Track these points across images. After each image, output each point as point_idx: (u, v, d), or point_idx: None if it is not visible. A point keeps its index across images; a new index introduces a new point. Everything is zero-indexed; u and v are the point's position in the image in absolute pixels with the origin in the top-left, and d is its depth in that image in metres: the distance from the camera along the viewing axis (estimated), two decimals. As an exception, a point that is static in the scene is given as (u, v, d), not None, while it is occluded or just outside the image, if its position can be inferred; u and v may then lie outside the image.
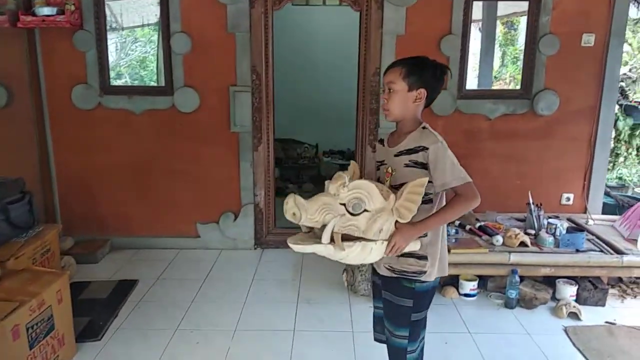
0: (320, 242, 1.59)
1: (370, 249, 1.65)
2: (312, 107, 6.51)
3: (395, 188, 1.73)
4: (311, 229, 1.68)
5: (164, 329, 2.88)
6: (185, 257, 3.94)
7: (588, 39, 3.79)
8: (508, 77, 5.56)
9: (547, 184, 4.00)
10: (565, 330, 2.88)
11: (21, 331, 2.18)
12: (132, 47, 4.55)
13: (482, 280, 3.32)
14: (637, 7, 5.89)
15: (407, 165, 1.73)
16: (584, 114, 3.91)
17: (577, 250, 3.19)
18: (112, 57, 4.06)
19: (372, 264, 1.92)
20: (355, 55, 3.96)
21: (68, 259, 3.57)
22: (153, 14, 4.03)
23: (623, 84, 5.36)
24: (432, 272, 1.79)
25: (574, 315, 3.02)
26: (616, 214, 4.01)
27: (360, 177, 1.81)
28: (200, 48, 3.77)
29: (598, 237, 3.41)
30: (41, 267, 3.06)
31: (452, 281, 3.30)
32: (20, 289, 2.34)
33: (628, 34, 5.42)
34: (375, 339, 2.07)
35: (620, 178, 5.32)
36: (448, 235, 2.80)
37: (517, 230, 3.30)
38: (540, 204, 3.53)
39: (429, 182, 1.71)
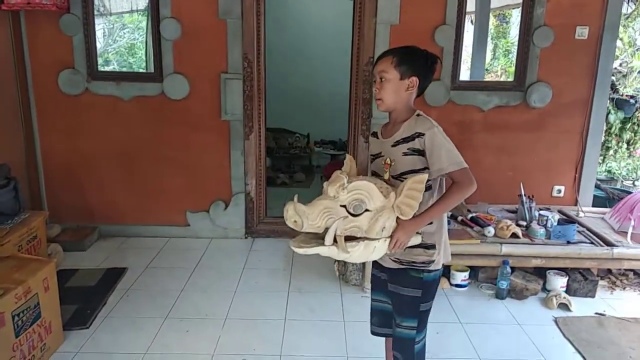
0: (322, 244, 1.56)
1: (373, 248, 1.63)
2: (304, 96, 6.47)
3: (395, 178, 1.72)
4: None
5: (153, 317, 2.84)
6: (174, 246, 3.89)
7: (582, 32, 3.78)
8: (500, 70, 5.57)
9: (538, 176, 4.01)
10: (556, 321, 2.89)
11: (7, 319, 2.13)
12: (120, 34, 4.47)
13: (474, 271, 3.32)
14: (628, 3, 5.91)
15: (405, 154, 1.70)
16: (576, 106, 3.92)
17: (568, 242, 3.21)
18: (99, 43, 3.98)
19: None
20: (348, 45, 3.92)
21: (55, 247, 3.52)
22: (142, -2, 3.95)
23: (614, 78, 5.38)
24: (440, 260, 1.79)
25: (564, 306, 3.03)
26: (606, 207, 4.03)
27: (358, 173, 1.79)
28: (190, 34, 3.70)
29: (589, 229, 3.42)
30: (27, 254, 3.01)
31: (444, 272, 3.27)
32: (6, 277, 2.29)
33: (619, 29, 5.44)
34: (373, 332, 2.04)
35: (609, 171, 5.36)
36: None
37: (509, 222, 3.30)
38: (532, 196, 3.54)
39: (426, 168, 1.69)
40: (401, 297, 1.81)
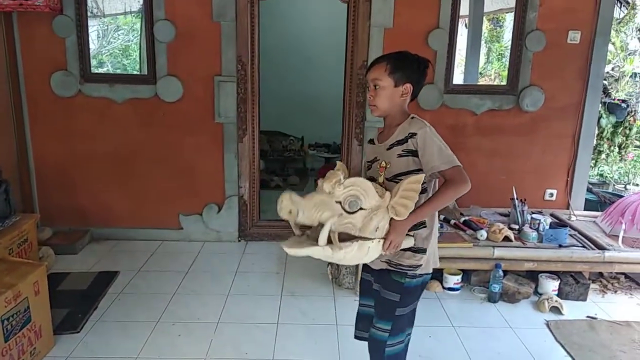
0: (316, 244, 1.54)
1: (367, 248, 1.61)
2: (299, 99, 6.47)
3: (390, 180, 1.72)
4: (304, 231, 1.64)
5: (145, 321, 2.83)
6: (167, 249, 3.88)
7: (574, 36, 3.81)
8: (493, 74, 5.59)
9: (531, 179, 4.03)
10: (547, 324, 2.90)
11: (-4, 323, 2.11)
12: (114, 35, 4.45)
13: (466, 275, 3.33)
14: (620, 7, 5.97)
15: (400, 156, 1.71)
16: (569, 110, 3.94)
17: (560, 246, 3.22)
18: (93, 45, 3.96)
19: None
20: (342, 48, 3.93)
21: (46, 250, 3.49)
22: (136, 0, 3.94)
23: (606, 82, 5.42)
24: (427, 266, 1.79)
25: (556, 310, 3.04)
26: (598, 210, 4.06)
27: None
28: (184, 37, 3.70)
29: (580, 233, 3.44)
30: (18, 257, 2.99)
31: (436, 275, 3.30)
32: (-4, 280, 2.27)
33: (611, 34, 5.49)
34: (357, 337, 2.04)
35: (601, 175, 5.40)
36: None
37: (501, 225, 3.32)
38: (524, 200, 3.55)
39: (419, 169, 1.69)
40: (380, 298, 1.83)
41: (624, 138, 5.11)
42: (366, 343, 2.01)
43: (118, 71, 4.38)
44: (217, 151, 3.91)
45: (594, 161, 5.07)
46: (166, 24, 3.65)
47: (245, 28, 3.72)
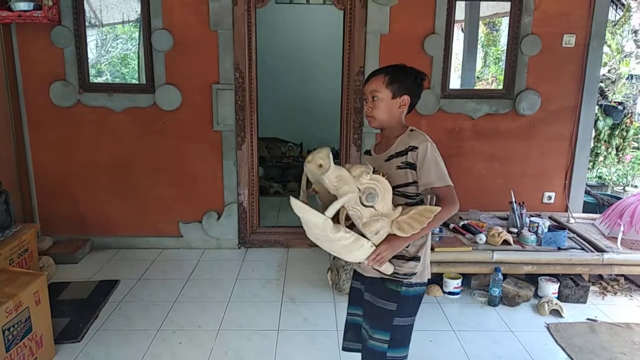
0: (321, 212, 1.52)
1: (360, 246, 1.60)
2: (297, 106, 6.50)
3: None
4: (307, 200, 1.62)
5: (146, 329, 2.83)
6: (167, 257, 3.89)
7: (569, 40, 3.83)
8: (490, 77, 5.62)
9: (529, 182, 4.05)
10: (548, 327, 2.91)
11: (-3, 333, 2.12)
12: (113, 44, 4.47)
13: (466, 279, 3.33)
14: (616, 9, 6.01)
15: (399, 167, 1.72)
16: (565, 114, 3.96)
17: (559, 248, 3.23)
18: (92, 54, 3.99)
19: (354, 268, 1.90)
20: (340, 54, 3.95)
21: (47, 259, 3.50)
22: (133, 10, 3.96)
23: (602, 84, 5.45)
24: (423, 275, 1.78)
25: (556, 313, 3.05)
26: (596, 213, 4.07)
27: None
28: (182, 45, 3.72)
29: (579, 235, 3.45)
30: (19, 267, 3.00)
31: (436, 279, 3.31)
32: (-4, 290, 2.28)
33: (607, 36, 5.52)
34: (344, 348, 1.99)
35: (600, 177, 5.41)
36: (432, 233, 2.81)
37: (500, 229, 3.32)
38: (523, 203, 3.56)
39: (415, 182, 1.71)
40: (374, 307, 1.79)
41: (621, 140, 5.13)
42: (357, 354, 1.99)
43: (117, 80, 4.40)
44: (216, 159, 3.92)
45: (591, 163, 5.08)
46: (164, 33, 3.68)
47: (242, 36, 3.74)
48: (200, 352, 2.63)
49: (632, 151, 5.48)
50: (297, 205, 1.52)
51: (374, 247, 1.63)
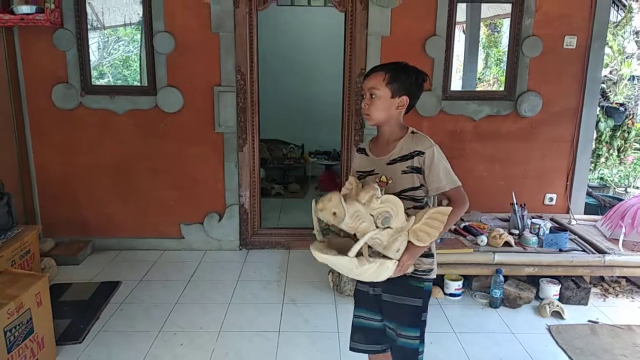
0: (342, 255, 1.52)
1: (386, 268, 1.61)
2: (298, 107, 6.51)
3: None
4: (325, 238, 1.61)
5: (147, 330, 2.84)
6: (168, 259, 3.89)
7: (570, 42, 3.83)
8: (492, 79, 5.61)
9: (530, 184, 4.05)
10: (549, 329, 2.90)
11: (-1, 335, 2.13)
12: (115, 47, 4.48)
13: (467, 280, 3.33)
14: (618, 11, 6.00)
15: (404, 172, 1.71)
16: (566, 115, 3.96)
17: (560, 250, 3.23)
18: (94, 56, 4.00)
19: None
20: (341, 56, 3.96)
21: (48, 261, 3.51)
22: (135, 13, 3.98)
23: (604, 85, 5.44)
24: (435, 270, 1.82)
25: (558, 314, 3.04)
26: (598, 214, 4.06)
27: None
28: (183, 48, 3.73)
29: (581, 237, 3.45)
30: (20, 269, 3.01)
31: (437, 281, 3.30)
32: (-2, 292, 2.29)
33: (608, 37, 5.51)
34: (354, 349, 1.98)
35: (602, 178, 5.40)
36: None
37: (501, 230, 3.32)
38: (524, 204, 3.56)
39: (422, 185, 1.71)
40: (400, 306, 1.79)
41: (623, 141, 5.12)
42: (362, 354, 2.00)
43: (119, 82, 4.42)
44: (218, 160, 3.93)
45: (593, 165, 5.07)
46: (165, 35, 3.69)
47: (244, 38, 3.75)
48: (202, 353, 2.63)
49: (634, 152, 5.47)
50: (321, 257, 1.53)
51: (396, 262, 1.64)
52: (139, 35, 4.10)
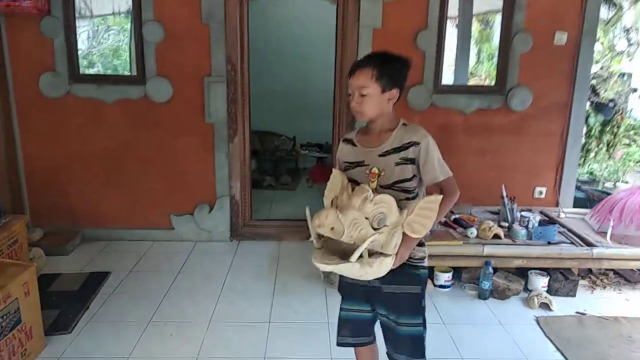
0: (344, 261, 1.55)
1: (386, 264, 1.63)
2: (291, 99, 6.47)
3: (387, 188, 1.71)
4: (323, 243, 1.63)
5: (136, 321, 2.83)
6: (158, 249, 3.87)
7: (560, 37, 3.84)
8: (484, 74, 5.63)
9: (520, 177, 4.06)
10: (537, 321, 2.93)
11: (-15, 324, 2.11)
12: (105, 36, 4.43)
13: (457, 272, 3.35)
14: (609, 8, 6.03)
15: (397, 164, 1.70)
16: (557, 110, 3.98)
17: (549, 243, 3.26)
18: (84, 45, 3.95)
19: None
20: (333, 47, 3.94)
21: (37, 251, 3.48)
22: (124, 1, 3.93)
23: (594, 81, 5.48)
24: (426, 257, 1.84)
25: (546, 306, 3.07)
26: (587, 208, 4.09)
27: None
28: (173, 37, 3.70)
29: (569, 230, 3.48)
30: (8, 259, 2.98)
31: (427, 272, 3.31)
32: (-15, 281, 2.26)
33: (599, 34, 5.55)
34: (343, 344, 1.97)
35: (591, 173, 5.45)
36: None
37: (491, 223, 3.34)
38: (514, 198, 3.58)
39: (414, 176, 1.71)
40: (401, 296, 1.79)
41: (612, 136, 5.17)
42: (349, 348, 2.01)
43: (109, 72, 4.37)
44: (208, 151, 3.91)
45: (583, 159, 5.12)
46: (155, 24, 3.65)
47: (234, 29, 3.72)
48: (191, 344, 2.63)
49: (623, 147, 5.53)
50: (324, 268, 1.57)
51: (394, 256, 1.65)
52: (128, 25, 4.05)
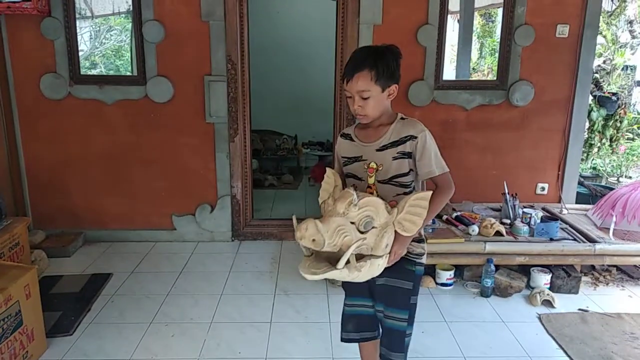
0: (332, 268, 1.53)
1: (377, 265, 1.62)
2: (292, 97, 6.47)
3: (384, 182, 1.71)
4: (312, 251, 1.60)
5: (138, 322, 2.83)
6: (160, 250, 3.88)
7: (562, 30, 3.81)
8: (486, 69, 5.60)
9: (522, 174, 4.04)
10: (540, 318, 2.92)
11: (-13, 327, 2.11)
12: (107, 36, 4.43)
13: (459, 270, 3.34)
14: (612, 0, 5.98)
15: (395, 158, 1.70)
16: (559, 104, 3.95)
17: (551, 239, 3.24)
18: (85, 46, 3.95)
19: None
20: (334, 45, 3.92)
21: (39, 253, 3.49)
22: (124, 1, 3.92)
23: (597, 75, 5.44)
24: (425, 255, 1.84)
25: (548, 303, 3.06)
26: (590, 204, 4.07)
27: (343, 182, 1.78)
28: (173, 37, 3.69)
29: (572, 226, 3.46)
30: (10, 261, 2.99)
31: (429, 271, 3.31)
32: (-14, 284, 2.27)
33: (602, 26, 5.50)
34: (347, 339, 1.99)
35: (594, 168, 5.42)
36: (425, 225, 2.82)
37: (493, 220, 3.33)
38: (516, 194, 3.56)
39: (411, 170, 1.71)
40: (392, 288, 1.80)
41: (615, 131, 5.12)
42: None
43: (111, 72, 4.37)
44: (209, 151, 3.90)
45: (586, 155, 5.08)
46: (155, 24, 3.65)
47: (234, 27, 3.71)
48: (193, 344, 2.63)
49: (626, 142, 5.48)
50: (311, 278, 1.54)
51: (387, 255, 1.65)
52: (130, 25, 4.05)
